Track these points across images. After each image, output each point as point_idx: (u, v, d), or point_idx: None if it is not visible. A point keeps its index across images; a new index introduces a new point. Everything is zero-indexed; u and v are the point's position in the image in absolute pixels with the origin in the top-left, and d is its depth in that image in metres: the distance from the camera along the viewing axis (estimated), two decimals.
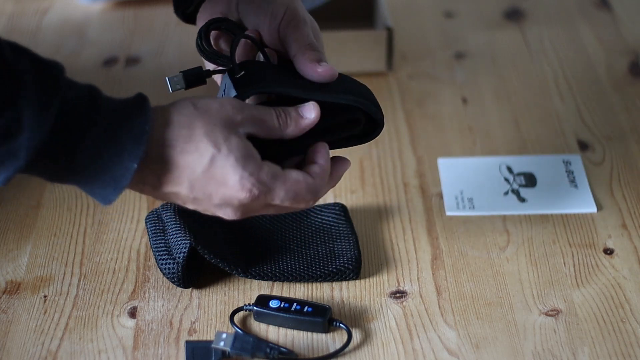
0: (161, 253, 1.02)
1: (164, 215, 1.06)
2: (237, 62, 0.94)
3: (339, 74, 0.94)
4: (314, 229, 1.08)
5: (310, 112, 0.90)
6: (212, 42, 0.97)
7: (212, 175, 0.85)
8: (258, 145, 0.87)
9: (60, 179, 0.84)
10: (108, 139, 0.82)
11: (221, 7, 0.99)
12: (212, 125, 0.85)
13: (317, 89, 0.92)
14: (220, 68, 0.95)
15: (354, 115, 0.92)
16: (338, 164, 0.93)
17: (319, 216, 1.10)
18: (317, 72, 0.92)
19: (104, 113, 0.82)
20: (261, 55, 0.96)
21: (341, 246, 1.05)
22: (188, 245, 1.00)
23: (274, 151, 0.89)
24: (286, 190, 0.87)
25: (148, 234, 1.06)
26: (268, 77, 0.92)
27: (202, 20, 1.00)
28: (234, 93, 0.91)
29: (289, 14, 0.96)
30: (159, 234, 1.04)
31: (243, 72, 0.92)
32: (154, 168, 0.84)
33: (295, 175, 0.88)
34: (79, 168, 0.82)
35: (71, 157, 0.82)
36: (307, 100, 0.90)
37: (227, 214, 0.88)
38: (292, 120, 0.89)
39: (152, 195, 0.88)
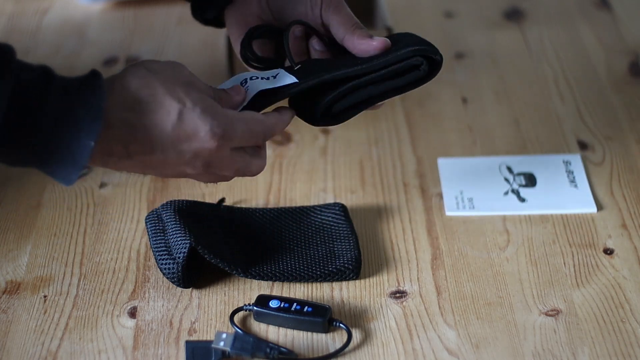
0: (161, 253, 1.02)
1: (164, 215, 1.06)
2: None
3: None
4: (314, 229, 1.08)
5: (238, 95, 0.94)
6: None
7: (182, 129, 0.86)
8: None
9: (20, 162, 0.85)
10: (63, 119, 0.82)
11: (253, 7, 1.00)
12: (170, 83, 0.87)
13: (372, 59, 0.96)
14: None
15: (414, 63, 0.97)
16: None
17: (319, 216, 1.10)
18: (372, 45, 0.96)
19: (58, 93, 0.83)
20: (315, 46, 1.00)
21: (341, 246, 1.05)
22: (188, 245, 1.00)
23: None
24: (246, 129, 0.89)
25: (148, 234, 1.06)
26: (325, 65, 0.96)
27: (233, 23, 1.01)
28: (288, 81, 0.95)
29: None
30: (159, 234, 1.04)
31: (300, 65, 0.96)
32: (119, 135, 0.85)
33: (250, 115, 0.91)
34: (36, 150, 0.83)
35: (28, 140, 0.82)
36: (366, 77, 0.96)
37: (195, 168, 0.89)
38: (227, 98, 0.93)
39: (121, 167, 0.88)
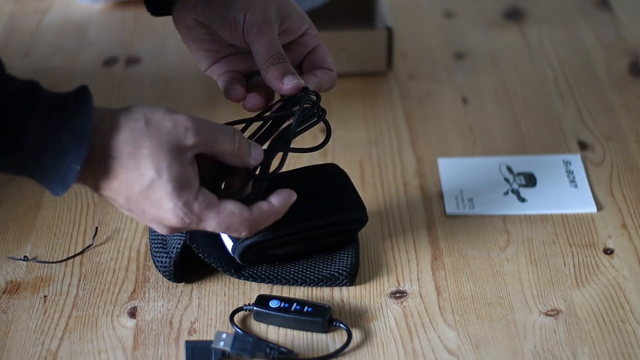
0: (157, 246, 1.02)
1: None
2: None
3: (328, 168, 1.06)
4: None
5: (258, 155, 0.92)
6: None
7: (148, 196, 0.86)
8: None
9: (14, 172, 0.85)
10: (49, 138, 0.82)
11: (190, 13, 0.99)
12: (159, 148, 0.85)
13: (303, 218, 1.00)
14: None
15: (348, 227, 1.03)
16: (284, 196, 0.93)
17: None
18: (282, 89, 0.94)
19: (44, 109, 0.82)
20: None
21: (340, 251, 1.04)
22: (182, 241, 1.00)
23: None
24: (218, 222, 0.88)
25: None
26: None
27: (179, 23, 1.00)
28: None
29: (250, 18, 0.95)
30: None
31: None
32: (95, 172, 0.85)
33: (230, 207, 0.89)
34: (25, 166, 0.83)
35: (16, 156, 0.82)
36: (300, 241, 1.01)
37: (159, 229, 0.89)
38: (244, 153, 0.90)
39: (93, 190, 0.88)
